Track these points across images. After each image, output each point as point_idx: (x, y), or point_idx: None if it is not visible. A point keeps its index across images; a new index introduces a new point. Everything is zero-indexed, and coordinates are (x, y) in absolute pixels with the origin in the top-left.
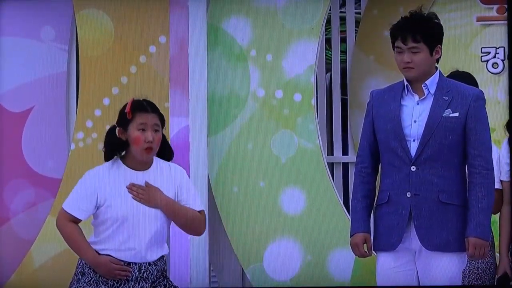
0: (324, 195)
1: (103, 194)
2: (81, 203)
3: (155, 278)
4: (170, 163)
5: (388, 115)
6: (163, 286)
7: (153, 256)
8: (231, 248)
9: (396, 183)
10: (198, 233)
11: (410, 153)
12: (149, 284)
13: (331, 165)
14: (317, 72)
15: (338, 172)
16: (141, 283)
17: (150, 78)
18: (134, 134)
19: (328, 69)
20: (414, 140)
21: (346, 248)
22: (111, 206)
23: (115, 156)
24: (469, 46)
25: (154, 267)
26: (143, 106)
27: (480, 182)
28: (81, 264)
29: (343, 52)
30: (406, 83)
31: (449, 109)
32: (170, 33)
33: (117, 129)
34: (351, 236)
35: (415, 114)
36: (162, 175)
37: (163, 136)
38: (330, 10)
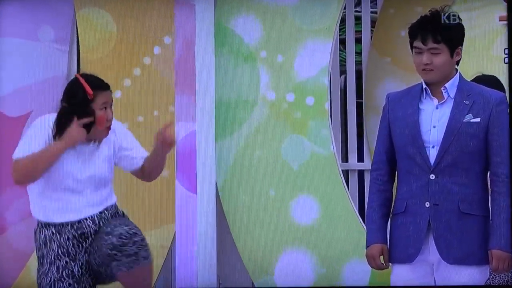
0: (338, 204)
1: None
2: (34, 146)
3: (97, 224)
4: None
5: (405, 119)
6: (102, 234)
7: (104, 204)
8: (240, 260)
9: (414, 192)
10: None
11: (429, 160)
12: (96, 230)
13: (345, 173)
14: (331, 74)
15: (353, 180)
16: (92, 235)
17: (154, 81)
18: (98, 114)
19: (343, 71)
20: (433, 147)
21: (361, 260)
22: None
23: None
24: (491, 47)
25: (106, 213)
26: (102, 84)
27: (504, 191)
28: (38, 246)
29: (358, 53)
30: (424, 86)
31: (470, 114)
32: (176, 33)
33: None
34: (367, 247)
35: (434, 119)
36: (105, 141)
37: None
38: (344, 9)
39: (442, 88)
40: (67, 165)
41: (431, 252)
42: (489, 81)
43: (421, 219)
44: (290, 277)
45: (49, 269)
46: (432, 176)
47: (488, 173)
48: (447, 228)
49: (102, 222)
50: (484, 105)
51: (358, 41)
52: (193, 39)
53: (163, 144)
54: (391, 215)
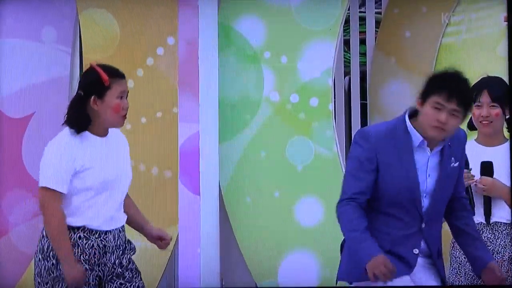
0: None
1: (79, 161)
2: (62, 175)
3: (123, 243)
4: (113, 129)
5: (401, 169)
6: (130, 250)
7: (122, 220)
8: (243, 262)
9: (401, 238)
10: None
11: (421, 210)
12: (120, 252)
13: None
14: (335, 75)
15: None
16: (115, 252)
17: (157, 82)
18: (113, 102)
19: (347, 72)
20: (425, 196)
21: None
22: (86, 173)
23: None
24: (497, 47)
25: (123, 233)
26: (118, 73)
27: (471, 216)
28: (50, 247)
29: (363, 54)
30: (421, 138)
31: (453, 158)
32: (179, 34)
33: (92, 98)
34: (366, 261)
35: (429, 168)
36: (117, 140)
37: None
38: (348, 9)
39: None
40: (95, 160)
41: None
42: (495, 82)
43: (407, 263)
44: (294, 278)
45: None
46: (423, 225)
47: (450, 208)
48: (429, 274)
49: (119, 242)
50: (459, 147)
51: (362, 41)
52: (197, 40)
53: (153, 238)
54: None
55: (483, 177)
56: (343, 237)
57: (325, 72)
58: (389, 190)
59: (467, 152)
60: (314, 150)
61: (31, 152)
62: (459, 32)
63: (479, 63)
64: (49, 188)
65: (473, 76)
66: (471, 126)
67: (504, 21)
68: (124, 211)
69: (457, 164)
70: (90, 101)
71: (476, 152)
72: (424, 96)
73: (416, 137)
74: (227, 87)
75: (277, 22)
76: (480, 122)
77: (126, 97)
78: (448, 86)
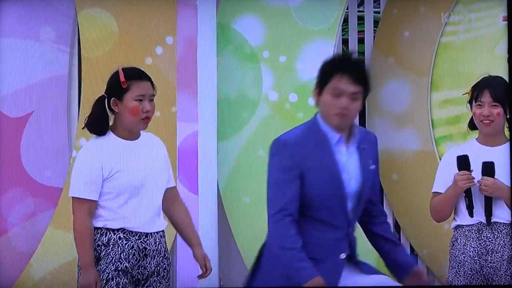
0: None
1: (107, 166)
2: (92, 183)
3: (164, 251)
4: (149, 133)
5: (325, 172)
6: (166, 264)
7: (162, 225)
8: (242, 262)
9: (328, 243)
10: None
11: (348, 212)
12: (161, 258)
13: None
14: None
15: None
16: (156, 257)
17: (156, 81)
18: (131, 105)
19: None
20: (349, 197)
21: (369, 262)
22: (116, 176)
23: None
24: (495, 47)
25: (163, 239)
26: (138, 74)
27: (388, 221)
28: (95, 247)
29: (362, 53)
30: (338, 135)
31: (371, 161)
32: (178, 33)
33: (112, 100)
34: (304, 282)
35: (350, 169)
36: (149, 143)
37: None
38: (347, 9)
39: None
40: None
41: None
42: (497, 82)
43: (335, 270)
44: None
45: (107, 267)
46: (351, 229)
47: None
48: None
49: (160, 247)
50: (372, 148)
51: (361, 41)
52: (195, 39)
53: (200, 262)
54: None
55: (484, 177)
56: (263, 245)
57: None
58: (316, 195)
59: (468, 151)
60: None
61: (29, 152)
62: (458, 32)
63: (477, 62)
64: (76, 197)
65: (474, 77)
66: (472, 126)
67: (503, 20)
68: (172, 217)
69: (373, 167)
70: (111, 103)
71: (477, 152)
72: (321, 84)
73: (332, 135)
74: (225, 86)
75: (276, 22)
76: (481, 121)
77: (151, 100)
78: (343, 69)
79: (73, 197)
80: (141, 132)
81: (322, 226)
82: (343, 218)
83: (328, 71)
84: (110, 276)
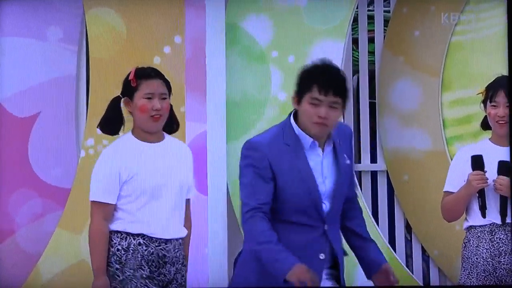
0: None
1: (126, 169)
2: (110, 186)
3: (182, 259)
4: (175, 138)
5: (297, 173)
6: (184, 271)
7: (182, 232)
8: None
9: (306, 245)
10: None
11: (323, 212)
12: (180, 265)
13: (358, 174)
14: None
15: (366, 181)
16: (175, 264)
17: None
18: (140, 103)
19: (355, 71)
20: (325, 198)
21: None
22: (137, 179)
23: (121, 129)
24: (503, 48)
25: (181, 246)
26: (147, 73)
27: (362, 217)
28: (115, 252)
29: (371, 53)
30: (311, 139)
31: (345, 155)
32: (186, 33)
33: (123, 99)
34: (287, 271)
35: (324, 170)
36: (175, 148)
37: (170, 105)
38: (357, 8)
39: (329, 139)
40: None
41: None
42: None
43: (315, 271)
44: None
45: (133, 275)
46: (326, 227)
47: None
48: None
49: (179, 254)
50: (346, 142)
51: (371, 40)
52: (204, 39)
53: None
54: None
55: (500, 176)
56: (239, 253)
57: None
58: (288, 197)
59: (481, 151)
60: None
61: (37, 152)
62: (468, 31)
63: (487, 62)
64: (93, 201)
65: (485, 77)
66: (486, 126)
67: None
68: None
69: (349, 161)
70: (124, 103)
71: (490, 152)
72: (299, 93)
73: (306, 140)
74: (234, 86)
75: (285, 21)
76: (497, 122)
77: (163, 99)
78: (321, 79)
79: (91, 201)
80: (166, 135)
81: (298, 227)
82: (319, 219)
83: (307, 82)
84: (138, 285)
